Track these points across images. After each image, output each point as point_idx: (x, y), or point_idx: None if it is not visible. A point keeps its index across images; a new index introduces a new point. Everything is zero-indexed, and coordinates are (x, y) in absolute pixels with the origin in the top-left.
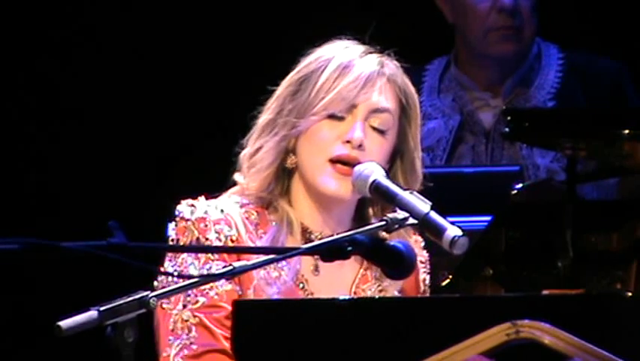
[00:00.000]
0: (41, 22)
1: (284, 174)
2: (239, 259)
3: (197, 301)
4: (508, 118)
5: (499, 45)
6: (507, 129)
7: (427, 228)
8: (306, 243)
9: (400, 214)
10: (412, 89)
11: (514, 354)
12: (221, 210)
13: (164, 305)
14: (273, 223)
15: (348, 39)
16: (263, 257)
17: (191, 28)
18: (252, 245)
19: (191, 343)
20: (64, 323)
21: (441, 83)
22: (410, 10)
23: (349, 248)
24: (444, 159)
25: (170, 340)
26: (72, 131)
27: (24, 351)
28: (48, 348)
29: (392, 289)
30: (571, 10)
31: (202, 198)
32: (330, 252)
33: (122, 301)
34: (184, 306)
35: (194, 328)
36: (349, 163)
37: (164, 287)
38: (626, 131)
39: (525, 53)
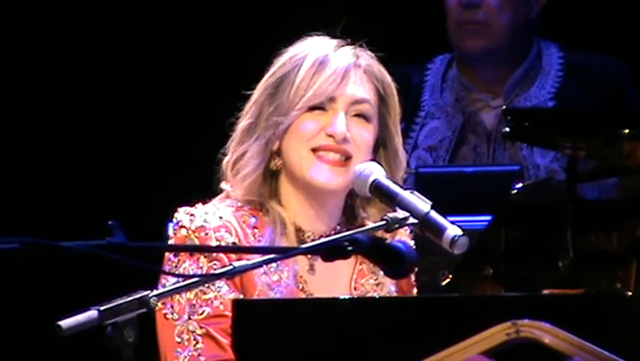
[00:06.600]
0: (42, 24)
1: (270, 177)
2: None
3: (202, 312)
4: (509, 118)
5: (466, 40)
6: (507, 129)
7: (427, 227)
8: (299, 243)
9: (401, 214)
10: (388, 78)
11: (514, 354)
12: (220, 217)
13: (168, 316)
14: (268, 225)
15: (319, 34)
16: (263, 257)
17: (191, 31)
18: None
19: (198, 354)
20: (65, 323)
21: (443, 83)
22: (413, 7)
23: (350, 248)
24: (446, 159)
25: (177, 352)
26: (72, 131)
27: (24, 351)
28: (48, 348)
29: (388, 280)
30: (571, 10)
31: (199, 206)
32: (331, 251)
33: (122, 301)
34: (189, 317)
35: (200, 339)
36: (333, 150)
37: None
38: (626, 131)
39: (495, 50)
